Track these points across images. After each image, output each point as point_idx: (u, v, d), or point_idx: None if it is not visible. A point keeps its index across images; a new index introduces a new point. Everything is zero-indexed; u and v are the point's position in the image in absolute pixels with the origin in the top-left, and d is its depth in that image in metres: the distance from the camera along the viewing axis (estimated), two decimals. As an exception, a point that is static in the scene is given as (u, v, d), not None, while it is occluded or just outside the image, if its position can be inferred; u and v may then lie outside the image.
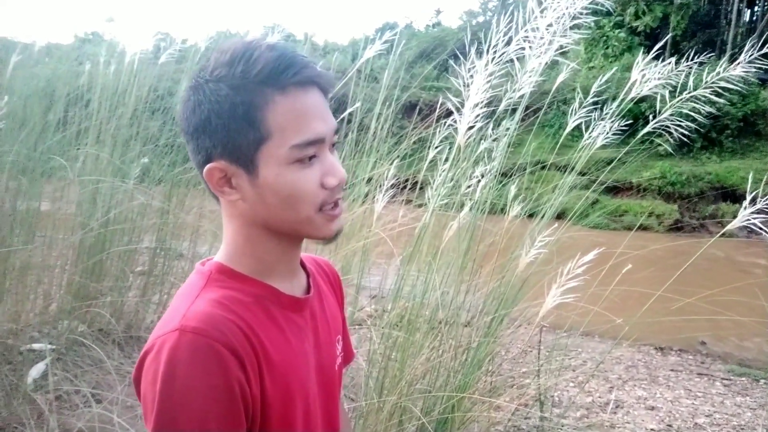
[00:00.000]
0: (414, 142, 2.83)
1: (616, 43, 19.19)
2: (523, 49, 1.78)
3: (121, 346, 3.05)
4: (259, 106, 0.70)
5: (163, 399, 0.65)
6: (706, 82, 2.14)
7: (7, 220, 2.94)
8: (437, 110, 2.41)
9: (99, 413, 2.20)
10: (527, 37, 1.76)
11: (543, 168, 2.84)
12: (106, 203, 3.21)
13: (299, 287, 0.85)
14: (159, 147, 3.73)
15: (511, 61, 1.82)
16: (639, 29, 18.92)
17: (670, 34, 16.53)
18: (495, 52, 1.71)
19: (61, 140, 3.46)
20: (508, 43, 1.74)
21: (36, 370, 2.63)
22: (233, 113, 0.70)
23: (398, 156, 2.73)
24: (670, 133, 2.19)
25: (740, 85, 2.12)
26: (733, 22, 19.13)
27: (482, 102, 1.68)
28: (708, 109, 2.15)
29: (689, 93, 2.15)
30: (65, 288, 3.23)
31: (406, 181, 2.80)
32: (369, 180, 2.66)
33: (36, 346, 2.87)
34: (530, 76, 1.91)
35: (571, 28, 1.80)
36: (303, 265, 0.89)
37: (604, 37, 19.52)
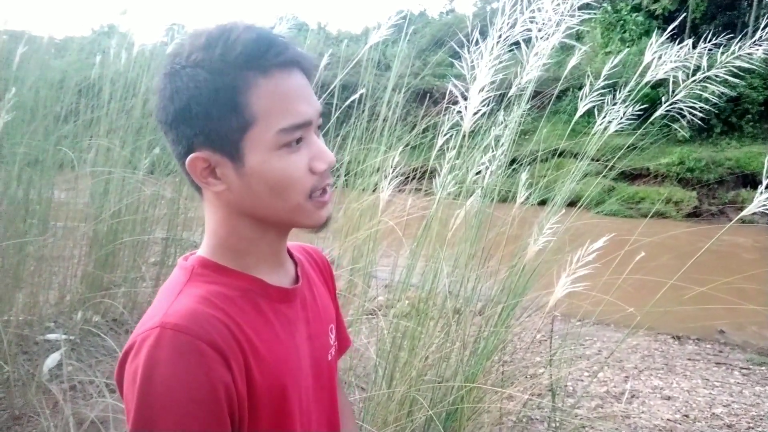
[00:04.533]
0: (424, 130, 2.79)
1: (634, 27, 18.80)
2: (530, 30, 1.73)
3: (135, 336, 3.07)
4: (241, 90, 0.67)
5: (141, 399, 0.62)
6: (721, 62, 2.07)
7: (21, 210, 2.97)
8: (446, 97, 2.37)
9: (112, 403, 2.22)
10: (533, 17, 1.71)
11: (555, 155, 2.79)
12: (117, 194, 3.23)
13: (287, 277, 0.82)
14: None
15: (518, 44, 1.78)
16: (657, 12, 18.50)
17: (688, 16, 16.16)
18: (500, 35, 1.66)
19: (72, 131, 3.48)
20: (513, 26, 1.69)
21: (51, 360, 2.66)
22: (214, 99, 0.67)
23: (407, 144, 2.69)
24: (686, 117, 2.12)
25: (761, 67, 2.05)
26: (754, 4, 18.62)
27: (487, 86, 1.64)
28: (725, 91, 2.08)
29: (703, 73, 2.08)
30: (79, 279, 3.26)
31: (415, 169, 2.77)
32: (378, 169, 2.63)
33: (51, 336, 2.90)
34: (538, 59, 1.85)
35: (579, 7, 1.75)
36: (290, 254, 0.86)
37: (621, 21, 19.13)
